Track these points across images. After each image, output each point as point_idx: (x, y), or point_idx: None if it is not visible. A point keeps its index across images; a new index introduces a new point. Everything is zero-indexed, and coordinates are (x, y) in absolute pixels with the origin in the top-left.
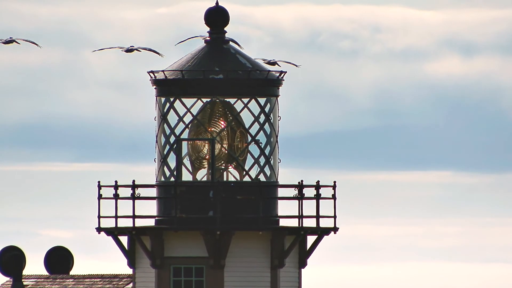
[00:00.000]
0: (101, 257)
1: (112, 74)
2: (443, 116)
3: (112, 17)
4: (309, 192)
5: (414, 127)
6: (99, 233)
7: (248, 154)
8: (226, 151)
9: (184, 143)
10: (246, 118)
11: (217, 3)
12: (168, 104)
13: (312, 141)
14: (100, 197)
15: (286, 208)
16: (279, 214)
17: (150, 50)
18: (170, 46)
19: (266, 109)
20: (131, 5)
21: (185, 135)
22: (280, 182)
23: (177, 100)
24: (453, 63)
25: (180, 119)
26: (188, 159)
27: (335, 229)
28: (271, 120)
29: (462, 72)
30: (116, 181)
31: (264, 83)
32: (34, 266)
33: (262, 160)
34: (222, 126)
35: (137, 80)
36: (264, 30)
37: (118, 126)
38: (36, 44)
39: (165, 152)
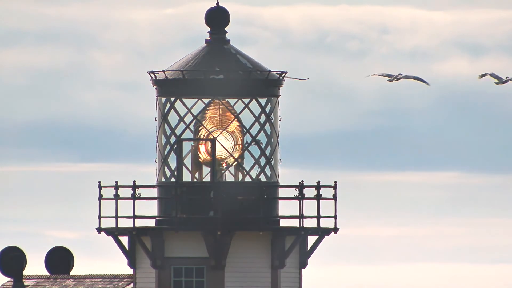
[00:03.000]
0: (102, 258)
1: (119, 74)
2: (450, 117)
3: (119, 18)
4: (309, 192)
5: (420, 128)
6: (99, 233)
7: (249, 154)
8: (239, 151)
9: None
10: (247, 118)
11: (217, 3)
12: (168, 104)
13: (316, 142)
14: (100, 197)
15: (286, 209)
16: (280, 214)
17: None
18: (176, 46)
19: (267, 110)
20: (138, 5)
21: (186, 135)
22: (281, 182)
23: (178, 100)
24: (461, 64)
25: (181, 119)
26: (191, 158)
27: (335, 230)
28: (272, 121)
29: (469, 73)
30: (116, 182)
31: (264, 84)
32: (35, 266)
33: (262, 160)
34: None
35: (143, 80)
36: (271, 31)
37: (124, 127)
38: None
39: (165, 153)
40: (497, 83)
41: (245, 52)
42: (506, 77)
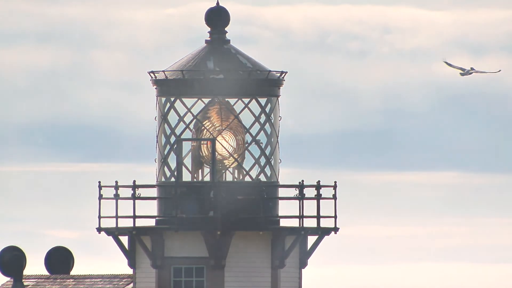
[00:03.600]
0: (102, 258)
1: (120, 74)
2: (450, 117)
3: (121, 18)
4: (309, 192)
5: (421, 128)
6: (99, 233)
7: (249, 154)
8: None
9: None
10: (247, 118)
11: (217, 3)
12: (168, 104)
13: (316, 142)
14: (100, 197)
15: (286, 208)
16: (280, 214)
17: None
18: (177, 46)
19: (267, 109)
20: (140, 5)
21: (185, 135)
22: (281, 182)
23: (178, 100)
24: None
25: (181, 119)
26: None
27: (335, 230)
28: (272, 120)
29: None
30: (116, 182)
31: (264, 83)
32: (35, 266)
33: (262, 160)
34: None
35: (144, 80)
36: (273, 31)
37: (124, 127)
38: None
39: (165, 152)
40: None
41: (246, 52)
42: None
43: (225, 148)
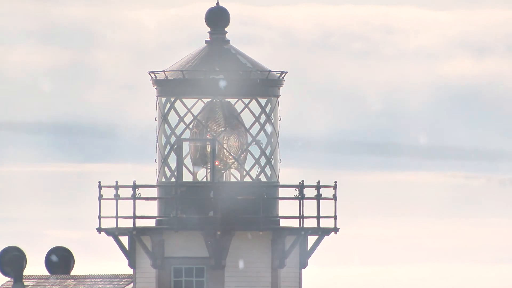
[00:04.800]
0: (102, 258)
1: (121, 74)
2: (453, 116)
3: (124, 18)
4: (309, 192)
5: (423, 128)
6: (99, 233)
7: (249, 154)
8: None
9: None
10: (247, 118)
11: (217, 3)
12: (168, 105)
13: (316, 142)
14: (100, 197)
15: (286, 209)
16: (280, 214)
17: None
18: (179, 46)
19: (267, 110)
20: (143, 5)
21: (186, 135)
22: (281, 182)
23: (178, 100)
24: (465, 64)
25: (181, 119)
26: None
27: (335, 230)
28: (272, 120)
29: (474, 73)
30: (116, 182)
31: (265, 84)
32: (35, 266)
33: (262, 160)
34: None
35: (144, 80)
36: (275, 31)
37: (126, 127)
38: None
39: (165, 153)
40: None
41: (248, 52)
42: None
43: (226, 149)
